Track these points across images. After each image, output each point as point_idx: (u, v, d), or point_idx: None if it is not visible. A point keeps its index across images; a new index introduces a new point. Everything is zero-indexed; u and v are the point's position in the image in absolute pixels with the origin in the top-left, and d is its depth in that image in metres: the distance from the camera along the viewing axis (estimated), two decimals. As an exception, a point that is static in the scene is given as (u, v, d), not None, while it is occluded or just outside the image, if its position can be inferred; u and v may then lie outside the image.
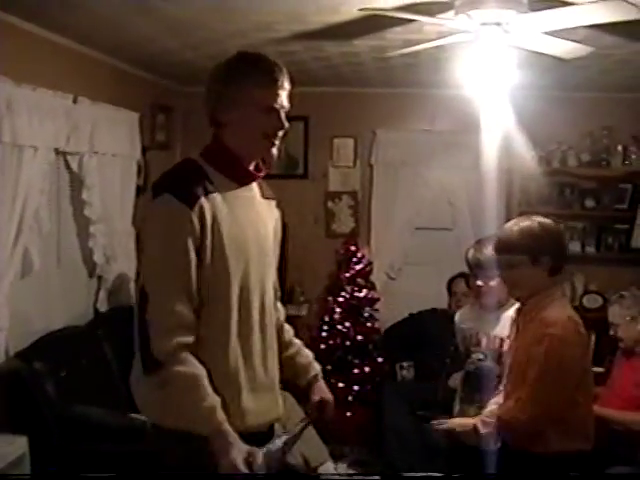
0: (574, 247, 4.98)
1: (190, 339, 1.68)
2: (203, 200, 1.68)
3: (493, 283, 2.81)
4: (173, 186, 1.69)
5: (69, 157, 3.61)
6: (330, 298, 4.79)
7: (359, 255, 4.83)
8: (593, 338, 4.92)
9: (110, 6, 2.84)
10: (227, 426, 1.65)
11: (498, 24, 2.53)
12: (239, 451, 1.61)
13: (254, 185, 1.90)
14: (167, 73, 4.54)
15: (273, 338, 1.91)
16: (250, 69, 1.77)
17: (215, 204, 1.71)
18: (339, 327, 4.64)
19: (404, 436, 3.81)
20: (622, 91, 4.72)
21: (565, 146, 4.94)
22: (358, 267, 4.78)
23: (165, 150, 4.83)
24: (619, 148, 4.88)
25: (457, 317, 3.20)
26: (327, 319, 4.71)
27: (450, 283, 4.21)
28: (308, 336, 4.36)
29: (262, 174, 1.89)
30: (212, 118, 1.83)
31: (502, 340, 2.79)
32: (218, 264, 1.72)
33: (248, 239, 1.78)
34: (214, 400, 1.66)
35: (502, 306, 2.87)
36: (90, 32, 3.36)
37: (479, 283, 2.89)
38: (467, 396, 2.86)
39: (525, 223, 2.40)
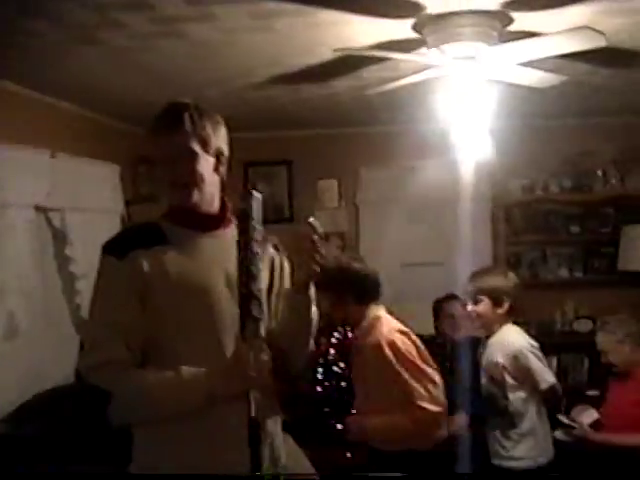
0: (562, 273, 5.01)
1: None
2: (140, 252, 1.76)
3: (468, 309, 3.13)
4: (109, 245, 1.82)
5: (50, 213, 3.59)
6: (323, 340, 4.73)
7: (350, 295, 4.79)
8: (586, 362, 4.90)
9: (86, 60, 2.86)
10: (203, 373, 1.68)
11: (470, 57, 2.56)
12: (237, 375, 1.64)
13: (233, 229, 1.89)
14: (146, 123, 4.54)
15: None
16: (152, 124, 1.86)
17: (160, 254, 1.78)
18: (334, 368, 4.59)
19: None
20: (599, 116, 4.78)
21: (546, 173, 4.99)
22: (349, 307, 4.74)
23: (150, 202, 4.80)
24: (599, 172, 4.93)
25: None
26: (322, 361, 4.65)
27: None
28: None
29: (224, 216, 1.91)
30: None
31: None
32: (168, 308, 1.76)
33: (211, 281, 1.79)
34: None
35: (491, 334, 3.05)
36: (65, 86, 3.37)
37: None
38: None
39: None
